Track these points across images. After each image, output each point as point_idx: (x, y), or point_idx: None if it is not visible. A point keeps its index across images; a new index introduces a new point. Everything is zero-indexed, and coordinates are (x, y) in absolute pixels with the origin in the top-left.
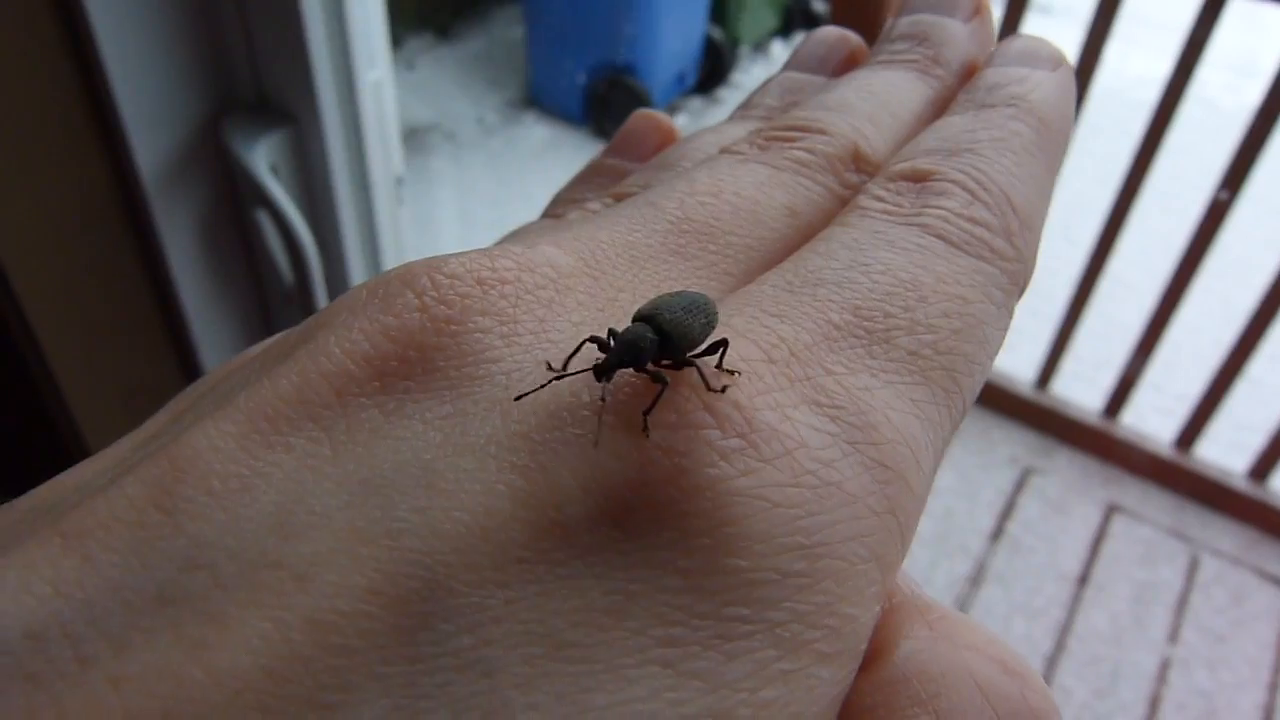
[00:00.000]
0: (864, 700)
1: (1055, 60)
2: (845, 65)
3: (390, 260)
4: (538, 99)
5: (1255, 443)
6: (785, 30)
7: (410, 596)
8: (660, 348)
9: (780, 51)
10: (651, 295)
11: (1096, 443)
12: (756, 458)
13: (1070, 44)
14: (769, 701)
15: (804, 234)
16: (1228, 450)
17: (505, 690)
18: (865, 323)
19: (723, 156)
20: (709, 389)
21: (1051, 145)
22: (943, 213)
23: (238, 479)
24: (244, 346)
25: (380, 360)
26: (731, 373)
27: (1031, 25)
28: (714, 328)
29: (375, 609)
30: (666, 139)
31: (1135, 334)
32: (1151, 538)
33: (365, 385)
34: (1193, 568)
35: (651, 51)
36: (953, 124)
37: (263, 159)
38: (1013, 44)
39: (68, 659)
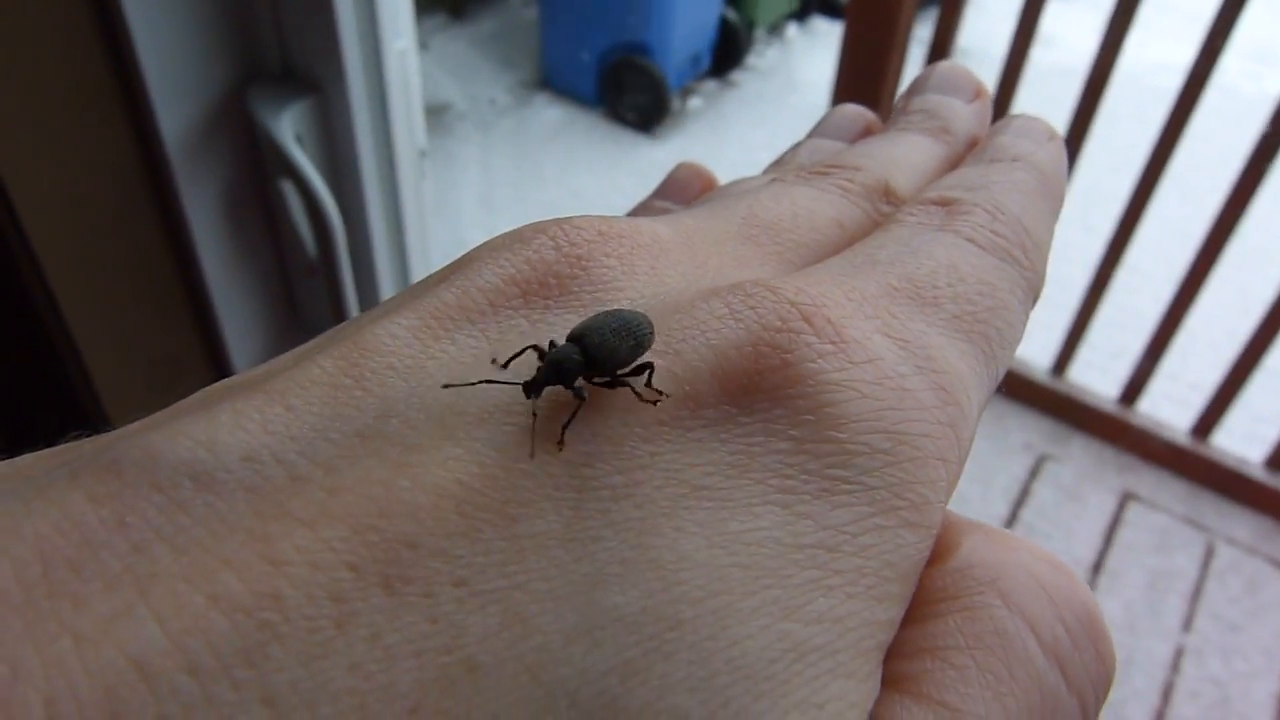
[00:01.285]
0: (935, 583)
1: (1050, 134)
2: (863, 135)
3: (414, 234)
4: (551, 80)
5: (1271, 434)
6: (801, 13)
7: (579, 435)
8: (588, 367)
9: (795, 35)
10: (730, 271)
11: (1112, 430)
12: (847, 360)
13: (1090, 31)
14: (867, 546)
15: (849, 244)
16: (1243, 440)
17: (655, 517)
18: (917, 289)
19: (774, 182)
20: (642, 399)
21: (1052, 195)
22: (970, 224)
23: (413, 359)
24: (265, 318)
25: (524, 283)
26: (659, 393)
27: (1051, 13)
28: (644, 349)
29: (542, 451)
30: (708, 185)
31: (1150, 322)
32: (1167, 526)
33: (513, 300)
34: (1208, 556)
35: (666, 33)
36: (967, 171)
37: (288, 128)
38: (1012, 120)
39: (282, 477)
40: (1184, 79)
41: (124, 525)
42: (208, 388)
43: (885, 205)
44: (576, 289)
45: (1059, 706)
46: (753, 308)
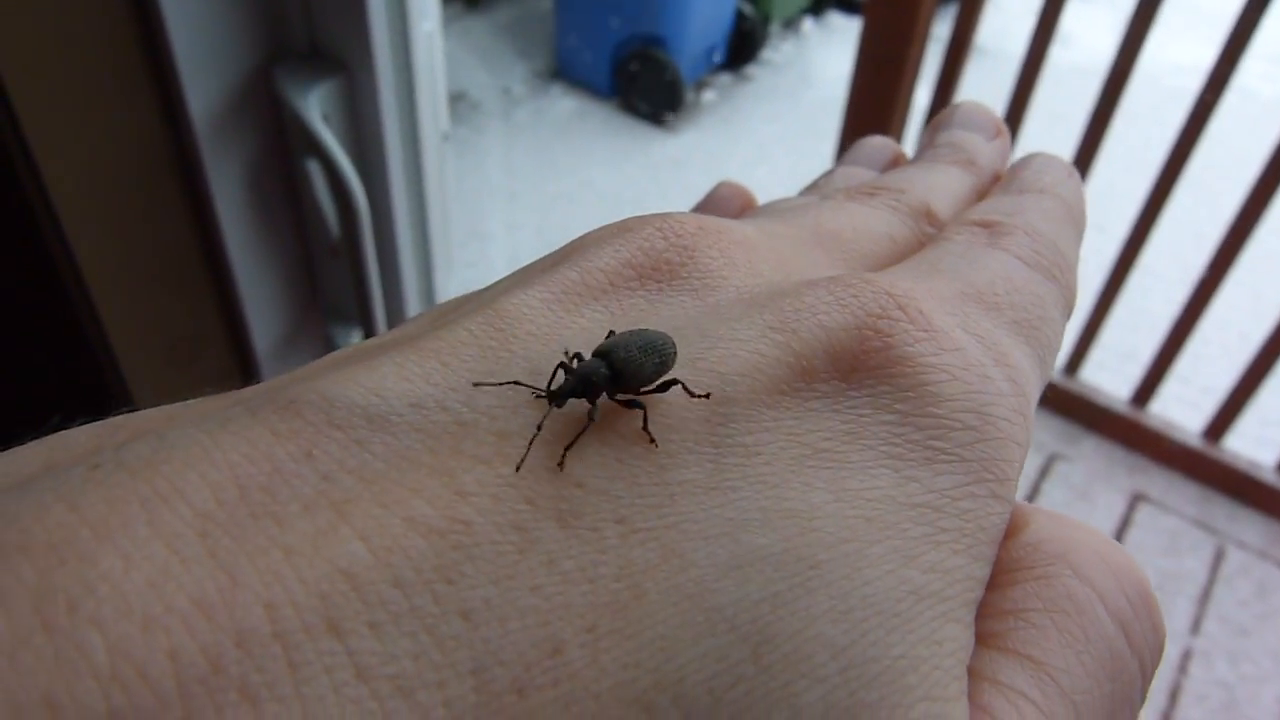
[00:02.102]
0: (1010, 555)
1: (1070, 170)
2: (891, 165)
3: (437, 216)
4: (565, 71)
5: None
6: (816, 8)
7: (713, 400)
8: (614, 382)
9: (810, 29)
10: (810, 271)
11: (1123, 431)
12: (938, 347)
13: (1107, 30)
14: (965, 510)
15: (900, 259)
16: (1255, 444)
17: (784, 473)
18: (980, 295)
19: (827, 199)
20: (693, 395)
21: (1076, 223)
22: (1015, 243)
23: (549, 326)
24: (287, 299)
25: (638, 266)
26: (702, 395)
27: (1071, 13)
28: (668, 368)
29: (686, 407)
30: (747, 204)
31: (1162, 324)
32: (1176, 528)
33: (630, 281)
34: (1217, 559)
35: (682, 26)
36: (1001, 200)
37: (315, 107)
38: (1035, 157)
39: (450, 422)
40: (1204, 80)
41: (310, 457)
42: (338, 351)
43: (928, 226)
44: (685, 275)
45: (1124, 667)
46: (855, 295)
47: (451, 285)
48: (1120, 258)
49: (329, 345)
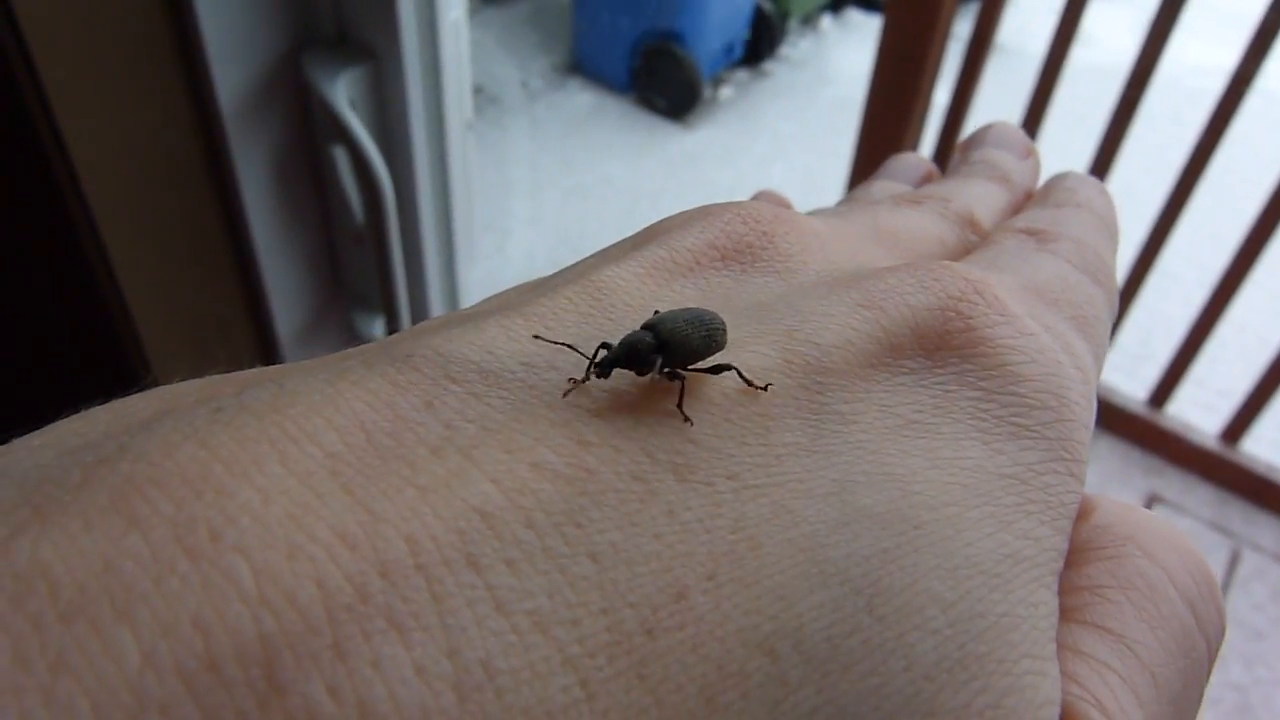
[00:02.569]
0: (1081, 537)
1: (1101, 188)
2: (925, 181)
3: (461, 204)
4: (583, 65)
5: None
6: (835, 4)
7: (806, 368)
8: (660, 352)
9: (829, 26)
10: (876, 262)
11: (1140, 432)
12: (1016, 331)
13: (1127, 30)
14: (1049, 484)
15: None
16: (1272, 448)
17: (880, 440)
18: (1040, 291)
19: (878, 203)
20: (752, 385)
21: (1112, 237)
22: (1063, 249)
23: (643, 298)
24: (309, 285)
25: (721, 248)
26: (763, 386)
27: (1092, 13)
28: (717, 344)
29: (784, 376)
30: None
31: (1180, 326)
32: (1192, 530)
33: (714, 261)
34: (1233, 562)
35: (700, 20)
36: (1039, 211)
37: (343, 93)
38: (1068, 175)
39: (559, 380)
40: (1225, 82)
41: (431, 407)
42: (433, 318)
43: (972, 234)
44: (767, 258)
45: (1194, 644)
46: (936, 279)
47: (474, 275)
48: (1139, 260)
49: (351, 332)
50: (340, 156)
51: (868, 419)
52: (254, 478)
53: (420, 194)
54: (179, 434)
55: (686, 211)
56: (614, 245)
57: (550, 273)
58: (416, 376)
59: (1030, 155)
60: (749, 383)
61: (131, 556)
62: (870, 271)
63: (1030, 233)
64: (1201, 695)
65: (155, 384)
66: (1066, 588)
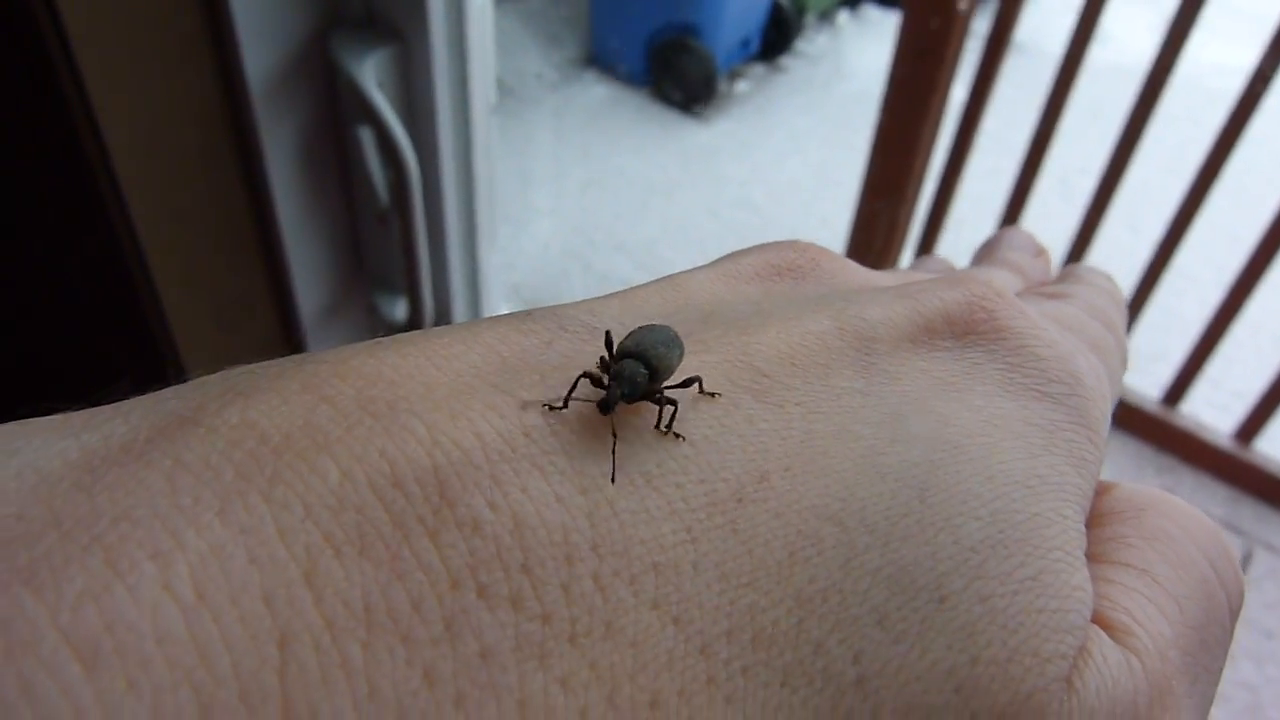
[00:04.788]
0: (1104, 507)
1: (1108, 275)
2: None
3: (483, 188)
4: (599, 58)
5: None
6: (853, 0)
7: (857, 335)
8: (651, 379)
9: (846, 22)
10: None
11: (1153, 430)
12: (1035, 326)
13: (1144, 29)
14: (1070, 439)
15: None
16: None
17: (921, 392)
18: (1058, 319)
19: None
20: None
21: (1119, 309)
22: (1079, 303)
23: (719, 294)
24: (333, 266)
25: (777, 266)
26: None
27: (1110, 12)
28: (680, 360)
29: (838, 339)
30: None
31: (1194, 326)
32: None
33: (771, 275)
34: (1245, 561)
35: (717, 14)
36: (1056, 285)
37: (370, 74)
38: (1078, 265)
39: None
40: (1244, 82)
41: (550, 345)
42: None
43: None
44: (815, 276)
45: (1216, 599)
46: (964, 283)
47: (493, 261)
48: (1154, 259)
49: (373, 314)
50: (366, 137)
51: (911, 378)
52: (417, 376)
53: (445, 175)
54: (349, 351)
55: (746, 249)
56: (689, 270)
57: (565, 262)
58: (536, 326)
59: (1041, 255)
60: (706, 393)
61: (325, 416)
62: (905, 283)
63: (1048, 295)
64: (1225, 652)
65: (182, 369)
66: (1091, 542)
